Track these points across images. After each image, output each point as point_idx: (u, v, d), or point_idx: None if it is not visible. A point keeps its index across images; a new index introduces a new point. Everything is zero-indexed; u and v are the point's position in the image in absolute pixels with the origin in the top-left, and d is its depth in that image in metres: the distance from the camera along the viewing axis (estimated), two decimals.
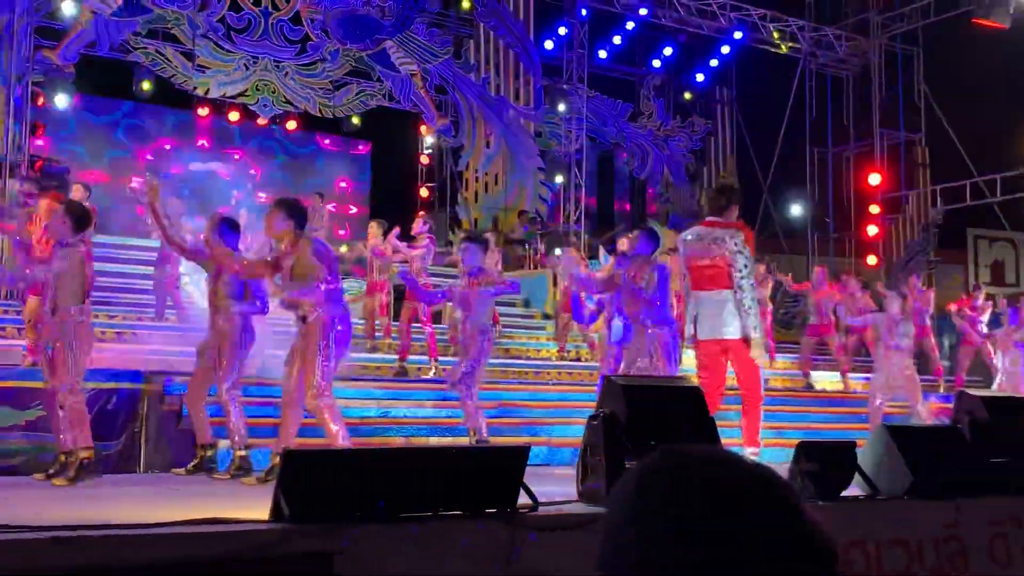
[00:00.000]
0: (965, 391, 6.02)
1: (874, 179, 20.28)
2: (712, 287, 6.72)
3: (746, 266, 6.66)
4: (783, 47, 20.48)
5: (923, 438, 5.38)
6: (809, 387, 13.59)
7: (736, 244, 6.68)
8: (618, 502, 0.93)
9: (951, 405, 6.24)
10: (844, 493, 4.88)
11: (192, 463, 7.25)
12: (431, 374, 11.07)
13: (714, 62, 21.69)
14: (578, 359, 13.27)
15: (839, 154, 21.51)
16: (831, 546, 0.88)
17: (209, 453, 7.24)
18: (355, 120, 17.82)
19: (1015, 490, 5.20)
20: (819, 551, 0.87)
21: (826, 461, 4.88)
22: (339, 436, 6.31)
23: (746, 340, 6.63)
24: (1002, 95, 18.95)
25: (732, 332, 6.65)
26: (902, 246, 20.11)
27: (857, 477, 4.97)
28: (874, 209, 20.34)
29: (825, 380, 14.26)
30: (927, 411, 10.18)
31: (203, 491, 6.11)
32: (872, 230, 20.26)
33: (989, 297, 15.19)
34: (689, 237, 7.00)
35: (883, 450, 5.08)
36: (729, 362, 6.81)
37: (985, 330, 14.28)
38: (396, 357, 11.40)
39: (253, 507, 3.81)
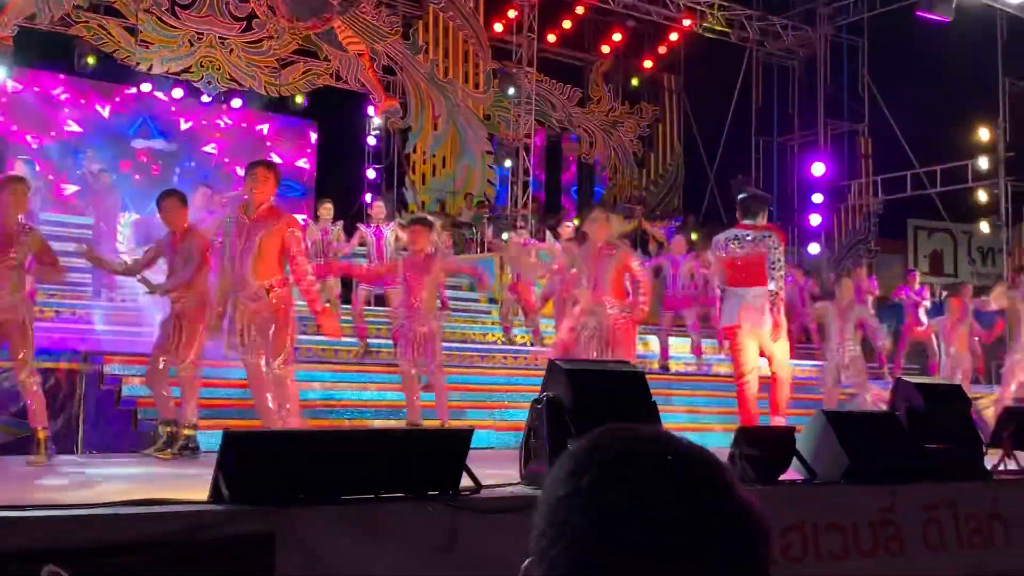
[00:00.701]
0: (902, 378, 6.13)
1: (818, 168, 20.54)
2: (753, 283, 7.59)
3: (779, 261, 7.67)
4: (731, 35, 20.62)
5: (860, 424, 5.48)
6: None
7: (773, 243, 7.63)
8: (554, 481, 0.93)
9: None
10: (782, 477, 4.95)
11: (170, 445, 6.95)
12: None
13: (663, 49, 21.80)
14: (525, 344, 13.31)
15: (784, 143, 21.76)
16: (764, 525, 0.89)
17: (175, 429, 7.01)
18: (301, 99, 17.64)
19: (949, 476, 5.32)
20: (752, 530, 0.88)
21: (765, 445, 4.96)
22: (293, 412, 6.37)
23: (777, 326, 7.55)
24: (943, 88, 19.27)
25: (768, 322, 7.54)
26: (844, 235, 20.41)
27: (795, 462, 5.05)
28: (817, 198, 20.61)
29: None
30: (872, 397, 10.37)
31: (145, 472, 6.03)
32: (815, 219, 20.53)
33: (924, 285, 15.45)
34: (727, 238, 7.83)
35: (821, 435, 5.17)
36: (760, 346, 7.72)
37: (925, 318, 14.54)
38: (338, 340, 11.31)
39: (196, 488, 3.77)
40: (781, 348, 7.72)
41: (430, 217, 10.74)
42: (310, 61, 17.24)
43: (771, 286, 7.51)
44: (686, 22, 20.02)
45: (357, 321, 11.50)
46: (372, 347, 11.28)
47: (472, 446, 3.91)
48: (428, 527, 3.55)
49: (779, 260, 7.65)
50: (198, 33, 15.99)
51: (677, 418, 10.80)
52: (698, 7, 19.86)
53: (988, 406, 10.52)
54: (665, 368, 13.02)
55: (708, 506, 0.87)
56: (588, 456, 0.93)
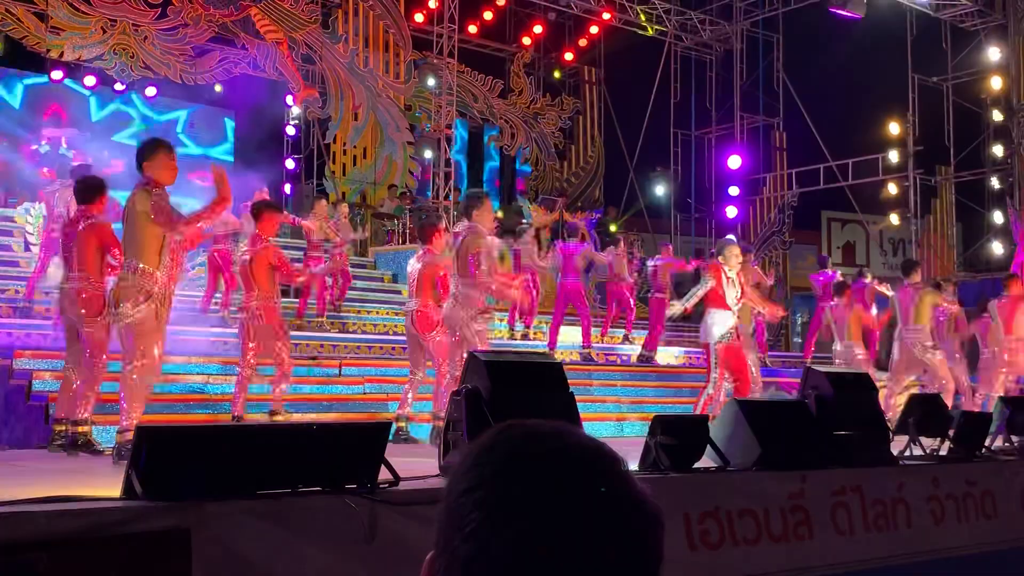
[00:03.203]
0: (811, 367, 6.29)
1: (734, 161, 20.91)
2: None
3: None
4: (650, 29, 20.86)
5: (771, 412, 5.61)
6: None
7: None
8: (455, 476, 0.96)
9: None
10: (697, 464, 5.06)
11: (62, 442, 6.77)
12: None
13: (583, 42, 21.97)
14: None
15: (701, 136, 22.09)
16: (658, 514, 0.93)
17: (77, 429, 6.82)
18: (218, 88, 17.37)
19: (857, 461, 5.48)
20: (646, 519, 0.92)
21: (680, 434, 5.05)
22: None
23: None
24: (855, 83, 19.76)
25: None
26: (760, 227, 20.81)
27: (709, 449, 5.15)
28: (733, 190, 20.98)
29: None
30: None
31: (57, 468, 5.91)
32: (731, 211, 20.89)
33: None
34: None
35: (734, 424, 5.29)
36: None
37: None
38: None
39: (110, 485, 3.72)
40: None
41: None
42: (227, 49, 16.98)
43: None
44: (606, 15, 20.20)
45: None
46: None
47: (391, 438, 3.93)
48: (346, 521, 3.55)
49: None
50: (111, 20, 15.64)
51: (597, 407, 10.93)
52: (618, 1, 20.03)
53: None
54: (586, 357, 13.13)
55: (603, 496, 0.90)
56: (487, 451, 0.96)
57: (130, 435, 5.66)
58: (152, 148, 6.22)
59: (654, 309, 13.78)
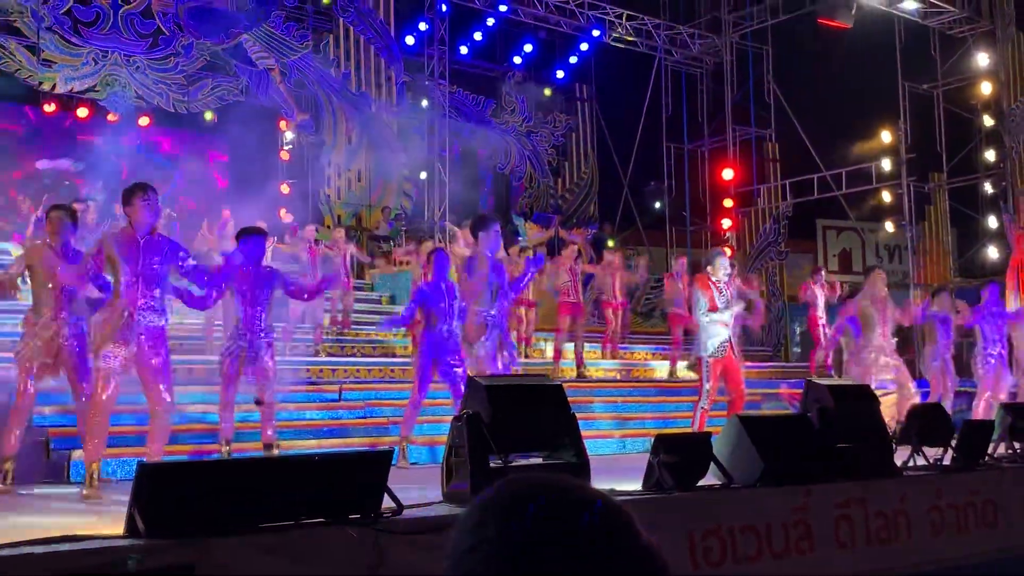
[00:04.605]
0: (812, 380, 6.29)
1: (727, 174, 20.94)
2: None
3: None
4: (639, 45, 20.93)
5: (774, 427, 5.61)
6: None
7: None
8: (459, 534, 0.96)
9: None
10: (701, 482, 5.05)
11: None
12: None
13: (574, 59, 22.04)
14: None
15: (694, 150, 22.14)
16: (665, 568, 0.93)
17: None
18: (210, 116, 17.41)
19: (859, 474, 5.48)
20: (653, 572, 0.92)
21: (683, 452, 5.05)
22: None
23: None
24: (846, 92, 19.81)
25: None
26: (755, 237, 20.83)
27: (713, 467, 5.15)
28: (728, 202, 21.00)
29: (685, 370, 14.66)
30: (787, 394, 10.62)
31: (56, 507, 5.90)
32: (726, 223, 20.91)
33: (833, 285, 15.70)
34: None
35: (736, 440, 5.28)
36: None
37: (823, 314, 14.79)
38: None
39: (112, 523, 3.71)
40: None
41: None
42: (219, 77, 17.03)
43: None
44: (595, 32, 20.26)
45: None
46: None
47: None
48: (350, 551, 3.54)
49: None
50: (102, 51, 15.69)
51: (599, 425, 10.93)
52: (606, 18, 20.11)
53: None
54: (581, 375, 13.13)
55: (609, 552, 0.90)
56: (491, 508, 0.96)
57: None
58: (129, 193, 6.40)
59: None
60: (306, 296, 8.61)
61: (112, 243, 6.26)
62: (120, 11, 15.83)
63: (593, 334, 14.67)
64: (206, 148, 19.12)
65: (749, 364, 13.45)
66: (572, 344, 13.41)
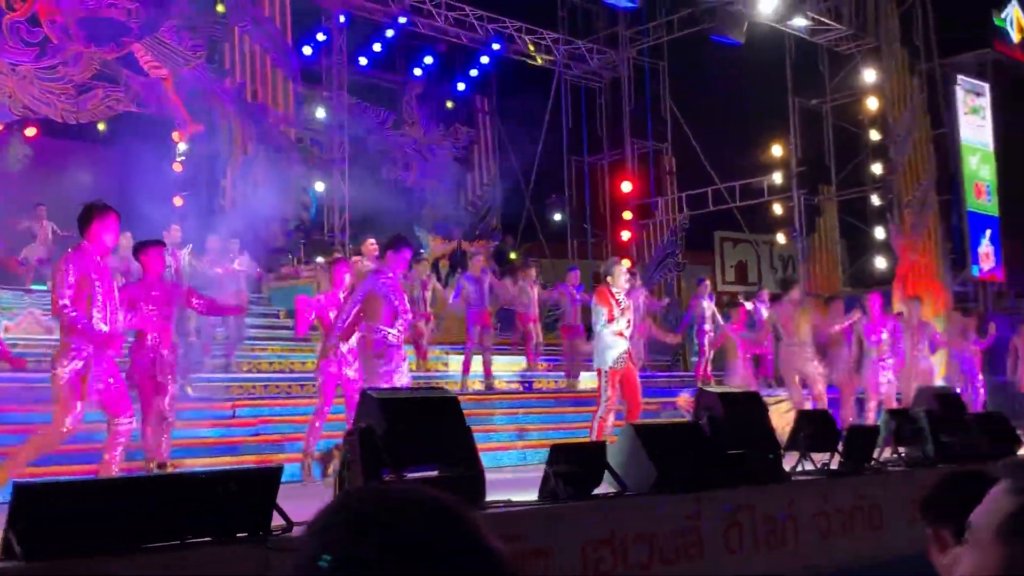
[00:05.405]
0: (703, 388, 6.40)
1: (626, 186, 21.25)
2: None
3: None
4: (539, 59, 21.10)
5: (667, 435, 5.69)
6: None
7: None
8: (303, 543, 0.95)
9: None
10: (597, 491, 5.09)
11: None
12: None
13: (474, 72, 22.10)
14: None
15: (594, 163, 22.40)
16: (511, 569, 0.93)
17: None
18: (101, 127, 16.95)
19: (749, 480, 5.59)
20: (497, 573, 0.92)
21: (578, 462, 5.08)
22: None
23: None
24: (738, 107, 20.29)
25: None
26: (653, 249, 21.15)
27: (608, 475, 5.19)
28: (627, 215, 21.30)
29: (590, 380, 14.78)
30: (684, 402, 10.78)
31: None
32: (625, 235, 21.20)
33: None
34: None
35: (630, 448, 5.34)
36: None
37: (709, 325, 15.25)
38: None
39: None
40: None
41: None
42: (110, 87, 16.58)
43: None
44: (495, 46, 20.36)
45: None
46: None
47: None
48: (237, 570, 3.47)
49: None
50: None
51: (501, 436, 10.93)
52: (506, 31, 20.22)
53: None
54: (490, 387, 13.14)
55: (453, 553, 0.90)
56: (334, 514, 0.95)
57: None
58: (86, 217, 6.21)
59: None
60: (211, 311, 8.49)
61: None
62: (5, 19, 15.30)
63: (500, 346, 14.72)
64: (98, 159, 18.65)
65: (647, 374, 13.64)
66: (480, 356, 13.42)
